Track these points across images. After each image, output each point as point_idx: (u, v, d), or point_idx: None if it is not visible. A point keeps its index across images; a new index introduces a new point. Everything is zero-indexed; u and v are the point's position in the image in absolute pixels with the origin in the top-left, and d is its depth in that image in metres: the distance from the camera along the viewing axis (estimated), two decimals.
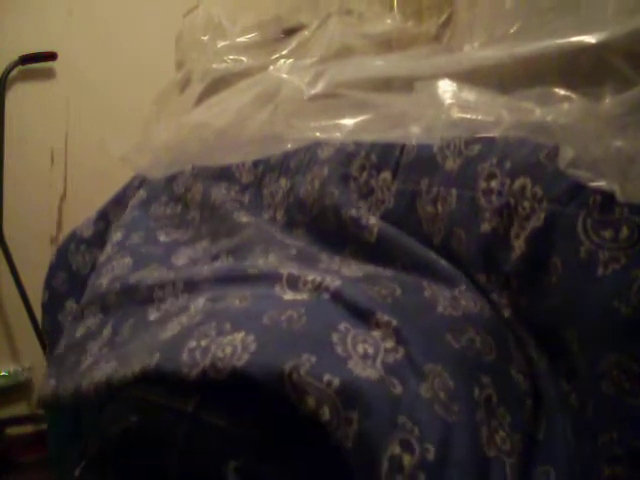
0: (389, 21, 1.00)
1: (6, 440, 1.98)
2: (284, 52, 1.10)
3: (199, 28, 1.28)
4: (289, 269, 0.74)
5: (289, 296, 0.69)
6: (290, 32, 1.14)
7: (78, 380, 0.78)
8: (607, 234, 0.57)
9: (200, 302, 0.75)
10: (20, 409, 2.07)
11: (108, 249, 1.06)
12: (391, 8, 1.02)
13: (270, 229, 0.92)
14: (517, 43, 0.76)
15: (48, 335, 1.15)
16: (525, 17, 0.84)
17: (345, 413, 0.53)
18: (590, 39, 0.69)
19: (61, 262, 1.15)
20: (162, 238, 1.06)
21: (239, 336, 0.60)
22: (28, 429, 2.01)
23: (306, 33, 1.08)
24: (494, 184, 0.68)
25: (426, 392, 0.57)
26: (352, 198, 0.85)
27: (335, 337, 0.60)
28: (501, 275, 0.68)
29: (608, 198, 0.57)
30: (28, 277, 1.98)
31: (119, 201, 1.20)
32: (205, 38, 1.24)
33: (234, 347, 0.59)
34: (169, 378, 0.62)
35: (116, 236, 1.09)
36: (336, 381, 0.54)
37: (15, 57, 2.07)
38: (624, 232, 0.56)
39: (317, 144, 0.93)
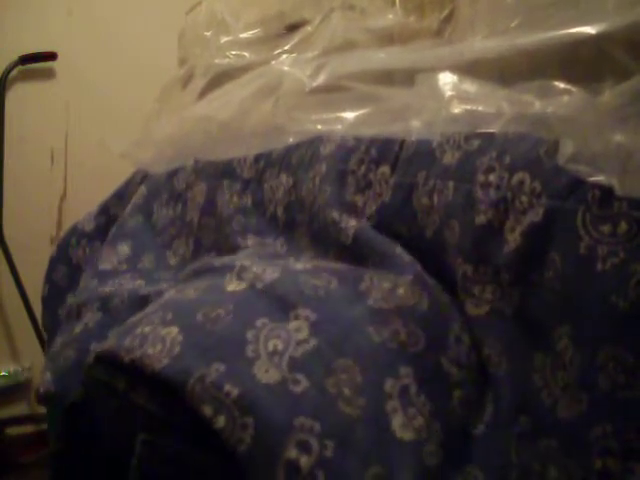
0: (391, 16, 1.00)
1: (6, 440, 1.99)
2: (286, 47, 1.10)
3: (202, 24, 1.28)
4: (244, 261, 0.76)
5: (232, 287, 0.72)
6: (293, 28, 1.14)
7: None
8: (606, 229, 0.57)
9: (170, 293, 0.77)
10: (20, 409, 2.07)
11: (114, 261, 1.07)
12: (393, 3, 1.02)
13: (272, 245, 0.93)
14: (518, 34, 0.76)
15: (47, 329, 1.15)
16: (526, 12, 0.84)
17: (241, 420, 0.55)
18: (590, 30, 0.69)
19: (62, 256, 1.16)
20: (172, 260, 1.07)
21: (173, 331, 0.64)
22: (28, 429, 2.01)
23: (309, 28, 1.08)
24: (492, 178, 0.68)
25: (332, 387, 0.59)
26: (347, 193, 0.85)
27: (250, 334, 0.63)
28: (490, 268, 0.67)
29: (607, 193, 0.57)
30: (28, 277, 1.99)
31: (121, 196, 1.20)
32: (208, 34, 1.24)
33: (164, 345, 0.62)
34: (111, 360, 0.65)
35: (123, 250, 1.08)
36: (235, 391, 0.57)
37: (15, 57, 2.08)
38: (622, 227, 0.56)
39: (320, 140, 0.93)
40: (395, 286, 0.70)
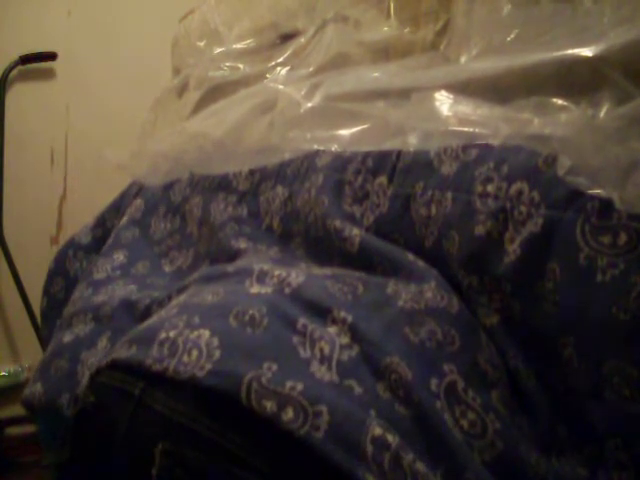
0: (386, 28, 0.99)
1: (6, 440, 2.00)
2: (280, 60, 1.09)
3: (195, 33, 1.27)
4: (262, 265, 0.75)
5: (255, 289, 0.70)
6: (286, 38, 1.14)
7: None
8: (605, 240, 0.57)
9: (181, 298, 0.76)
10: (20, 409, 2.07)
11: (107, 268, 1.06)
12: (388, 15, 1.01)
13: (266, 252, 0.93)
14: (513, 55, 0.76)
15: (47, 342, 1.15)
16: (522, 25, 0.83)
17: (312, 409, 0.54)
18: (587, 52, 0.69)
19: (59, 269, 1.16)
20: (167, 268, 1.06)
21: (205, 334, 0.61)
22: (28, 429, 2.02)
23: (302, 40, 1.07)
24: (490, 188, 0.68)
25: (384, 392, 0.59)
26: (345, 204, 0.85)
27: (294, 336, 0.61)
28: (494, 278, 0.67)
29: (606, 204, 0.57)
30: (28, 277, 2.00)
31: (117, 207, 1.20)
32: (201, 44, 1.23)
33: (199, 350, 0.59)
34: (134, 367, 0.63)
35: (118, 258, 1.08)
36: (299, 385, 0.55)
37: (15, 57, 2.08)
38: (622, 238, 0.56)
39: (315, 152, 0.93)
40: (421, 290, 0.70)
